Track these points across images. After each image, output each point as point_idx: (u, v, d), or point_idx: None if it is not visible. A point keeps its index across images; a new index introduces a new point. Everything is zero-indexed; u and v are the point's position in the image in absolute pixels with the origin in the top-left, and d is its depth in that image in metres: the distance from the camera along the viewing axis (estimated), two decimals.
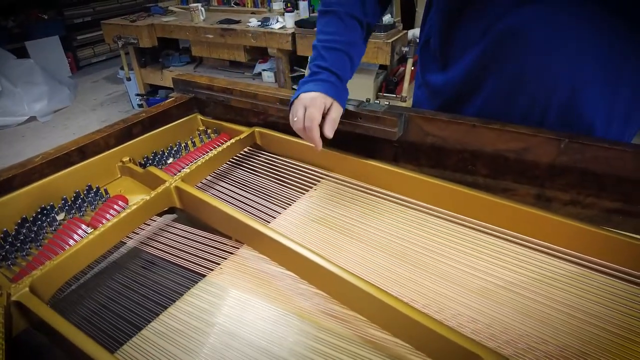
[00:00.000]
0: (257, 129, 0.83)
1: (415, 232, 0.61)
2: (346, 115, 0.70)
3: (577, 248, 0.55)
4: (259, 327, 0.49)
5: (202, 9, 3.00)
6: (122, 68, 3.34)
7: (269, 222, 0.66)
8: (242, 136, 0.81)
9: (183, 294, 0.55)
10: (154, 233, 0.65)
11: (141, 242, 0.63)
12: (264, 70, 2.93)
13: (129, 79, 3.35)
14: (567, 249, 0.56)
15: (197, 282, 0.56)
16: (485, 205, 0.60)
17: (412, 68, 2.37)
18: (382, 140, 0.72)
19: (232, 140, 0.79)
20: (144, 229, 0.65)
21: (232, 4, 3.65)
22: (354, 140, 0.74)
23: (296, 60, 2.74)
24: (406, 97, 2.26)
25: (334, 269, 0.49)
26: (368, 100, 0.73)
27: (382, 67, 2.50)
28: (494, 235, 0.59)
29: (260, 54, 2.98)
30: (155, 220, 0.67)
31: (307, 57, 2.57)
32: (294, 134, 0.69)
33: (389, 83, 2.45)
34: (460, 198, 0.62)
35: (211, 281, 0.56)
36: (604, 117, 0.64)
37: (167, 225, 0.67)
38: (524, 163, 0.63)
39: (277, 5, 3.16)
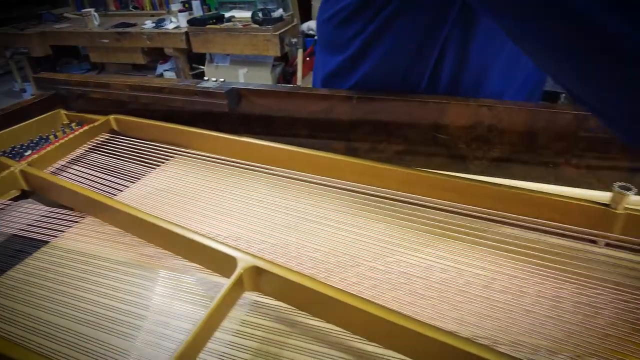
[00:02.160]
0: (112, 116, 0.90)
1: (269, 194, 0.70)
2: (184, 92, 0.79)
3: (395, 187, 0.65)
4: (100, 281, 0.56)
5: (95, 14, 2.95)
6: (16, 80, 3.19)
7: (115, 195, 0.73)
8: (96, 124, 0.87)
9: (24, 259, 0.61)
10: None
11: None
12: (165, 70, 2.95)
13: (23, 91, 3.21)
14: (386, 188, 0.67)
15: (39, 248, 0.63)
16: (309, 160, 0.69)
17: (308, 59, 2.50)
18: (222, 114, 0.81)
19: (86, 128, 0.85)
20: None
21: (130, 8, 3.60)
22: (200, 116, 0.83)
23: (195, 58, 2.78)
24: (301, 85, 2.39)
25: (166, 225, 0.56)
26: None
27: (282, 58, 2.62)
28: (334, 187, 0.70)
29: (159, 55, 2.98)
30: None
31: (204, 54, 2.64)
32: (150, 117, 0.76)
33: (286, 74, 2.57)
34: (300, 158, 0.70)
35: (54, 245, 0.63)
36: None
37: (18, 205, 0.72)
38: (331, 121, 0.75)
39: (176, 7, 3.17)
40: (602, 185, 0.65)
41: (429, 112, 0.68)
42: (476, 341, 0.37)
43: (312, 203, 0.65)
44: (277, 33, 2.28)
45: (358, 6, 0.65)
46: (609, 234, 0.54)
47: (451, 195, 0.60)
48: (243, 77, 2.46)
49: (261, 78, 2.50)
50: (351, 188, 0.66)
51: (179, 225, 0.52)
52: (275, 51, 2.32)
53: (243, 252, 0.45)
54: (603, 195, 0.60)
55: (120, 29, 2.71)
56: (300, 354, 0.44)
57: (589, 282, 0.49)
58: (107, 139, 0.90)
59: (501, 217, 0.58)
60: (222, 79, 0.85)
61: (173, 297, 0.51)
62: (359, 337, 0.44)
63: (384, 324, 0.39)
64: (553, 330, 0.44)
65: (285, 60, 2.65)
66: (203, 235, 0.48)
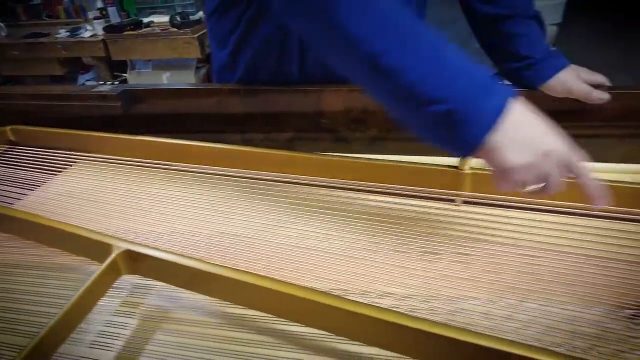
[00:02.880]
0: (9, 127, 0.89)
1: (190, 192, 0.71)
2: (80, 97, 0.80)
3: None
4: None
5: (1, 24, 2.80)
6: None
7: (12, 204, 0.73)
8: None
9: None
10: None
11: None
12: (87, 81, 2.85)
13: None
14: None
15: None
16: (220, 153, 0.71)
17: None
18: (119, 116, 0.83)
19: None
20: None
21: (44, 17, 3.43)
22: (100, 119, 0.84)
23: (117, 66, 2.72)
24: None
25: (43, 222, 0.58)
26: None
27: (207, 59, 2.61)
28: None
29: (78, 65, 2.88)
30: None
31: (125, 61, 2.58)
32: (55, 125, 0.76)
33: (210, 74, 2.58)
34: (194, 150, 0.73)
35: None
36: None
37: None
38: (224, 115, 0.79)
39: (92, 14, 3.06)
40: None
41: (310, 100, 0.73)
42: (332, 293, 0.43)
43: (205, 192, 0.69)
44: (196, 35, 2.28)
45: (227, 5, 0.69)
46: (462, 192, 0.62)
47: (329, 172, 0.66)
48: (167, 81, 2.44)
49: (185, 80, 2.49)
50: (242, 175, 0.71)
51: (55, 221, 0.54)
52: (195, 53, 2.32)
53: (117, 238, 0.48)
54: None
55: (31, 40, 2.60)
56: (184, 324, 0.48)
57: (432, 235, 0.57)
58: (5, 150, 0.89)
59: (370, 187, 0.64)
60: (116, 82, 0.86)
61: (59, 288, 0.53)
62: (242, 306, 0.48)
63: (260, 290, 0.44)
64: (404, 278, 0.51)
65: (210, 61, 2.65)
66: (79, 227, 0.51)
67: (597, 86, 0.66)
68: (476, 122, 0.40)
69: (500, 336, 0.37)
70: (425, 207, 0.62)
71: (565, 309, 0.46)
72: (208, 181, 0.72)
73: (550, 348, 0.37)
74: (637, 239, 0.53)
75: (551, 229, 0.55)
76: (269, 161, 0.68)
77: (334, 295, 0.42)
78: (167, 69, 2.51)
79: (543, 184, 0.44)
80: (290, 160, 0.67)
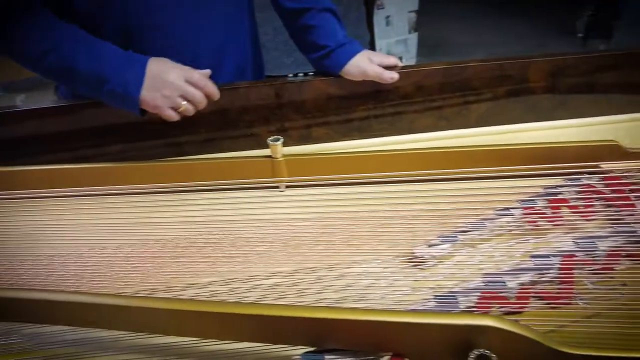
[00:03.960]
0: None
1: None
2: None
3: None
4: None
5: None
6: None
7: None
8: None
9: None
10: None
11: None
12: None
13: None
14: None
15: None
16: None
17: None
18: None
19: None
20: None
21: None
22: None
23: None
24: None
25: None
26: None
27: None
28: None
29: None
30: None
31: None
32: None
33: None
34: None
35: None
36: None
37: None
38: (44, 135, 0.76)
39: None
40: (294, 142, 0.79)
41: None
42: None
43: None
44: None
45: None
46: (282, 178, 0.67)
47: (159, 178, 0.67)
48: (21, 103, 2.24)
49: (44, 101, 2.29)
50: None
51: None
52: None
53: None
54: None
55: None
56: None
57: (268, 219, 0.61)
58: None
59: (199, 187, 0.67)
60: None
61: None
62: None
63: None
64: (215, 267, 0.55)
65: None
66: None
67: (391, 68, 0.75)
68: (127, 90, 0.63)
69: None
70: (251, 197, 0.66)
71: (361, 267, 0.53)
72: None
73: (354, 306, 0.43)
74: (411, 197, 0.61)
75: (354, 198, 0.62)
76: (93, 175, 0.67)
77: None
78: (22, 90, 2.30)
79: (185, 102, 0.64)
80: (117, 171, 0.68)
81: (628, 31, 2.38)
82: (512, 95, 0.78)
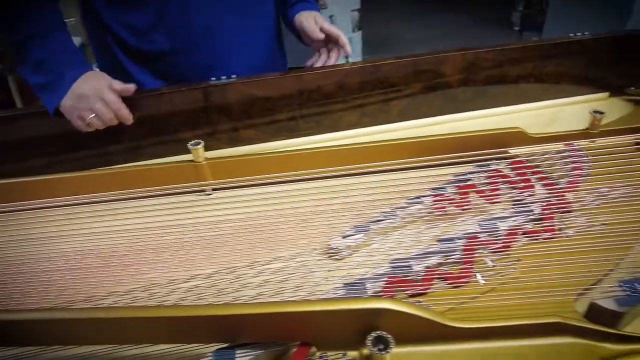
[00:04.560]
0: None
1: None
2: None
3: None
4: None
5: None
6: None
7: None
8: None
9: None
10: None
11: None
12: None
13: None
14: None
15: None
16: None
17: None
18: None
19: None
20: None
21: None
22: None
23: None
24: None
25: None
26: None
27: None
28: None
29: None
30: None
31: None
32: None
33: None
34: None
35: None
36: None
37: None
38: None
39: None
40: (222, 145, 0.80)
41: (55, 123, 0.72)
42: None
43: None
44: None
45: None
46: (207, 181, 0.67)
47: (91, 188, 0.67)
48: None
49: None
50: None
51: None
52: None
53: None
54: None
55: None
56: None
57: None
58: None
59: (119, 195, 0.67)
60: None
61: None
62: None
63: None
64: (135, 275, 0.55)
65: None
66: None
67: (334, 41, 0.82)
68: (57, 88, 0.68)
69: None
70: (177, 202, 0.66)
71: (279, 263, 0.55)
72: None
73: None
74: (331, 192, 0.63)
75: (277, 197, 0.64)
76: (13, 190, 0.66)
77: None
78: None
79: (94, 115, 0.67)
80: (38, 185, 0.66)
81: (557, 25, 2.52)
82: (430, 89, 0.82)
